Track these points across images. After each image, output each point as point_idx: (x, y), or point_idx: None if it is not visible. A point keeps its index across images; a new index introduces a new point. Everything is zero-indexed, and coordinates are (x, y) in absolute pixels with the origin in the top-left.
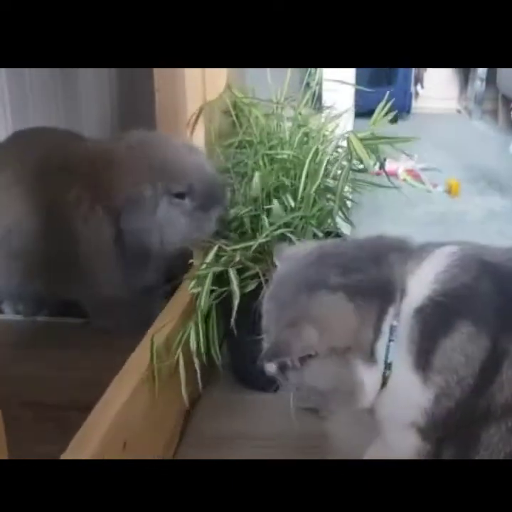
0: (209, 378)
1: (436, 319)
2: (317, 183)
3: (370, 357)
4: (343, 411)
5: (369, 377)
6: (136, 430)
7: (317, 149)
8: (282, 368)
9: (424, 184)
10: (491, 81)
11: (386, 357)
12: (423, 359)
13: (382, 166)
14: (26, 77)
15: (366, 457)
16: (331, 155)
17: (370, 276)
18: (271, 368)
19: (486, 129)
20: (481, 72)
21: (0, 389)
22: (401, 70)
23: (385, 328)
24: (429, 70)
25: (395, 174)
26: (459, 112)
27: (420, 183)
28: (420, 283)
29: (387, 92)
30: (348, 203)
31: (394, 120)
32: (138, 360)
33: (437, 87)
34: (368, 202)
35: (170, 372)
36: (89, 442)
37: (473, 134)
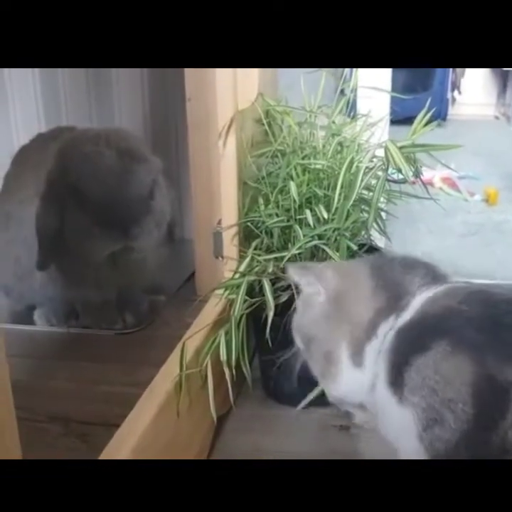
0: (239, 392)
1: (410, 336)
2: (354, 195)
3: (357, 356)
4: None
5: (350, 377)
6: (163, 448)
7: (352, 159)
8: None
9: (461, 193)
10: None
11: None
12: (394, 376)
13: (418, 175)
14: (60, 87)
15: None
16: (367, 165)
17: (393, 272)
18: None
19: None
20: None
21: (30, 401)
22: (437, 76)
23: (380, 332)
24: (466, 75)
25: (430, 183)
26: (496, 118)
27: (457, 191)
28: (414, 307)
29: (428, 100)
30: (383, 214)
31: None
32: (167, 374)
33: (474, 93)
34: (402, 212)
35: (199, 386)
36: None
37: None
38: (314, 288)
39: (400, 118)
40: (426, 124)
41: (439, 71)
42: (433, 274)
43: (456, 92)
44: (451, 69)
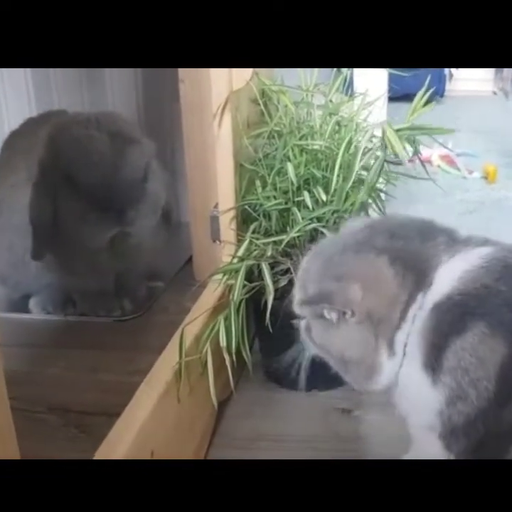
0: (239, 377)
1: (451, 317)
2: (353, 176)
3: (391, 348)
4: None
5: (388, 372)
6: (164, 437)
7: (350, 139)
8: (308, 326)
9: (460, 170)
10: None
11: (404, 349)
12: (433, 358)
13: (416, 154)
14: (51, 70)
15: None
16: (366, 145)
17: (413, 246)
18: (301, 319)
19: None
20: None
21: (28, 391)
22: None
23: (409, 315)
24: None
25: (428, 161)
26: (494, 93)
27: (455, 169)
28: (446, 278)
29: (427, 76)
30: (382, 195)
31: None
32: (167, 362)
33: (471, 69)
34: (400, 192)
35: (199, 373)
36: (114, 452)
37: (511, 116)
38: (340, 312)
39: (399, 95)
40: (425, 104)
41: None
42: (453, 239)
43: (453, 68)
44: None
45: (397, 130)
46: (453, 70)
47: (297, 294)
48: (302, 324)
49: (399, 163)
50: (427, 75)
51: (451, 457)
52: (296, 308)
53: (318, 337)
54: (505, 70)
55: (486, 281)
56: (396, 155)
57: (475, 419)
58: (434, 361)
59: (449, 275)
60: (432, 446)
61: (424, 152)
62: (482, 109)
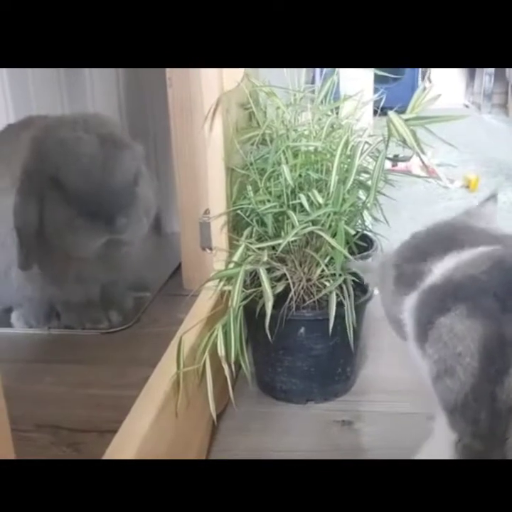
0: (234, 390)
1: (435, 298)
2: (352, 176)
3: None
4: None
5: None
6: (162, 453)
7: (347, 139)
8: None
9: (441, 180)
10: (498, 75)
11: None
12: (420, 333)
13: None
14: (29, 72)
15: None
16: (363, 146)
17: (413, 270)
18: None
19: (497, 122)
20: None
21: (13, 409)
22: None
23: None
24: None
25: (409, 171)
26: (466, 106)
27: (436, 178)
28: (438, 272)
29: (411, 84)
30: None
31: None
32: (163, 374)
33: (443, 82)
34: (384, 200)
35: (196, 384)
36: None
37: (485, 128)
38: None
39: (373, 108)
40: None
41: None
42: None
43: (426, 81)
44: None
45: (406, 120)
46: (427, 83)
47: None
48: None
49: (405, 160)
50: (400, 88)
51: (455, 437)
52: None
53: None
54: (476, 84)
55: (471, 273)
56: (404, 142)
57: (465, 395)
58: (420, 335)
59: (441, 269)
60: (442, 425)
61: (404, 163)
62: (457, 121)
